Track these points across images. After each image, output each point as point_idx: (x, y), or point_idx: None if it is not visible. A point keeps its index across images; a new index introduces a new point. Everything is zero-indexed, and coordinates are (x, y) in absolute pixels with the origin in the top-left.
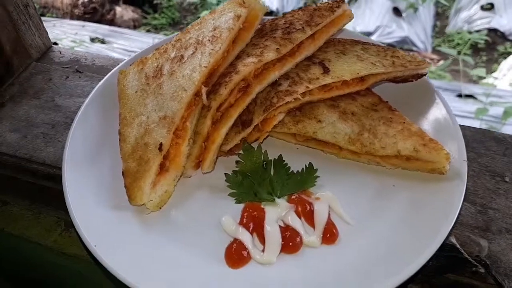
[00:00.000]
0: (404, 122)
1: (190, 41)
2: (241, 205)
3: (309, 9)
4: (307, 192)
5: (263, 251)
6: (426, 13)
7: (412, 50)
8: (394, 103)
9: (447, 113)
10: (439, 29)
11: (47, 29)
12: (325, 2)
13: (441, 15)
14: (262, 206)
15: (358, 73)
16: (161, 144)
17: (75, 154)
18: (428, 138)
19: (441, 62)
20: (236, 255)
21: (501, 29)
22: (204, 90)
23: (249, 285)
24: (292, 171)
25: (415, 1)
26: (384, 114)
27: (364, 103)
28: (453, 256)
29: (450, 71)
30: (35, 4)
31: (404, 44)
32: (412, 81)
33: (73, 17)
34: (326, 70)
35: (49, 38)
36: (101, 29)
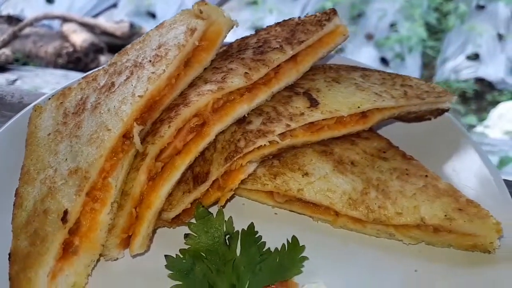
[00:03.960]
0: (426, 176)
1: (126, 64)
2: None
3: (290, 23)
4: (290, 283)
5: None
6: (413, 63)
7: None
8: (407, 149)
9: (484, 162)
10: (427, 79)
11: (29, 79)
12: (312, 15)
13: (427, 65)
14: None
15: (358, 107)
16: (65, 212)
17: None
18: (465, 200)
19: None
20: None
21: (488, 78)
22: (136, 129)
23: None
24: (269, 248)
25: (401, 51)
26: (396, 165)
27: (367, 149)
28: None
29: None
30: (18, 53)
31: None
32: (430, 119)
33: (56, 66)
34: (314, 103)
35: None
36: None
